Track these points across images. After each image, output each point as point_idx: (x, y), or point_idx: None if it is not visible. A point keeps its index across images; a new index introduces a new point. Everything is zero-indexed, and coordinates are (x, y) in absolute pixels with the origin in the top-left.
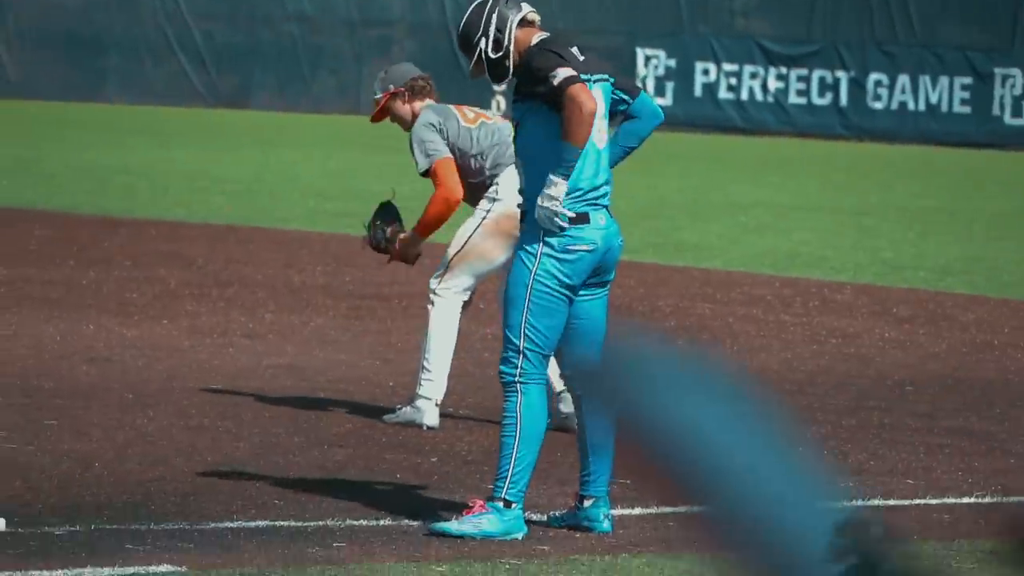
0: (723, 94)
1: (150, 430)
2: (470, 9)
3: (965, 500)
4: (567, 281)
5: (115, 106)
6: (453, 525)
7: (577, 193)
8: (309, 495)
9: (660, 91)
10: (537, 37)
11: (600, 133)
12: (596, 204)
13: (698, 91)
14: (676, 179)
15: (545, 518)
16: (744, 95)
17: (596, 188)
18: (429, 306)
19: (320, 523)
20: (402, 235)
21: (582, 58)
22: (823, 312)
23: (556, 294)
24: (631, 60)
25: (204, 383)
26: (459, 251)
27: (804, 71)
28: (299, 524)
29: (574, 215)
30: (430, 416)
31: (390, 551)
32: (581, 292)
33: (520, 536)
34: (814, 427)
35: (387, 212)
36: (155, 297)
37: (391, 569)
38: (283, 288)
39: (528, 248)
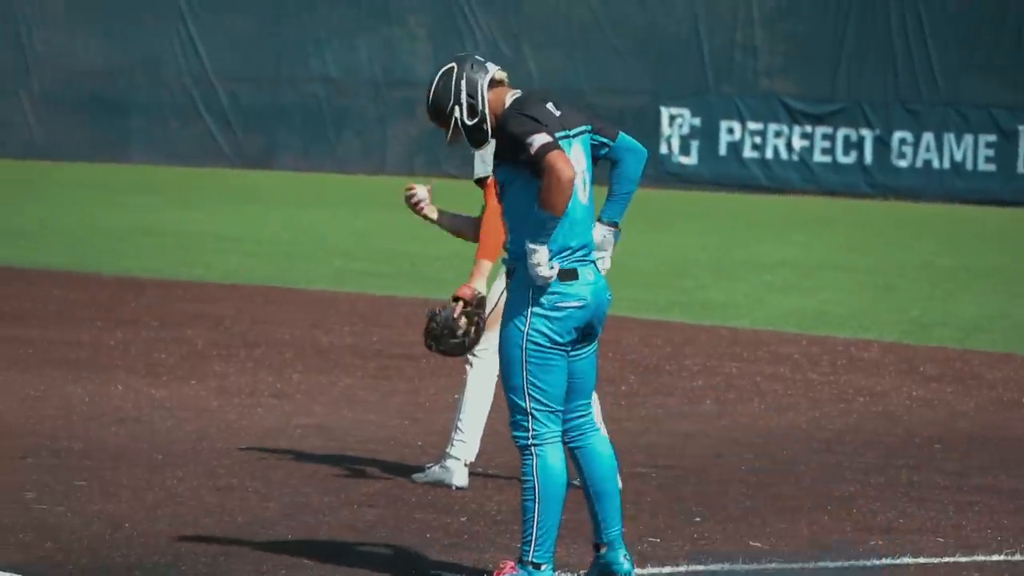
0: (748, 153)
1: (179, 491)
2: (436, 79)
3: (995, 558)
4: (559, 339)
5: (140, 167)
6: None
7: (566, 252)
8: (340, 555)
9: (685, 150)
10: (510, 96)
11: (584, 189)
12: (584, 260)
13: (723, 150)
14: (701, 238)
15: None
16: (769, 154)
17: (584, 245)
18: (468, 367)
19: None
20: (463, 285)
21: (558, 113)
22: (850, 371)
23: (551, 351)
24: (656, 119)
25: (233, 443)
26: (492, 311)
27: (829, 129)
28: None
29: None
30: (459, 477)
31: None
32: (571, 352)
33: None
34: (843, 485)
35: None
36: (183, 358)
37: None
38: (311, 348)
39: (518, 309)
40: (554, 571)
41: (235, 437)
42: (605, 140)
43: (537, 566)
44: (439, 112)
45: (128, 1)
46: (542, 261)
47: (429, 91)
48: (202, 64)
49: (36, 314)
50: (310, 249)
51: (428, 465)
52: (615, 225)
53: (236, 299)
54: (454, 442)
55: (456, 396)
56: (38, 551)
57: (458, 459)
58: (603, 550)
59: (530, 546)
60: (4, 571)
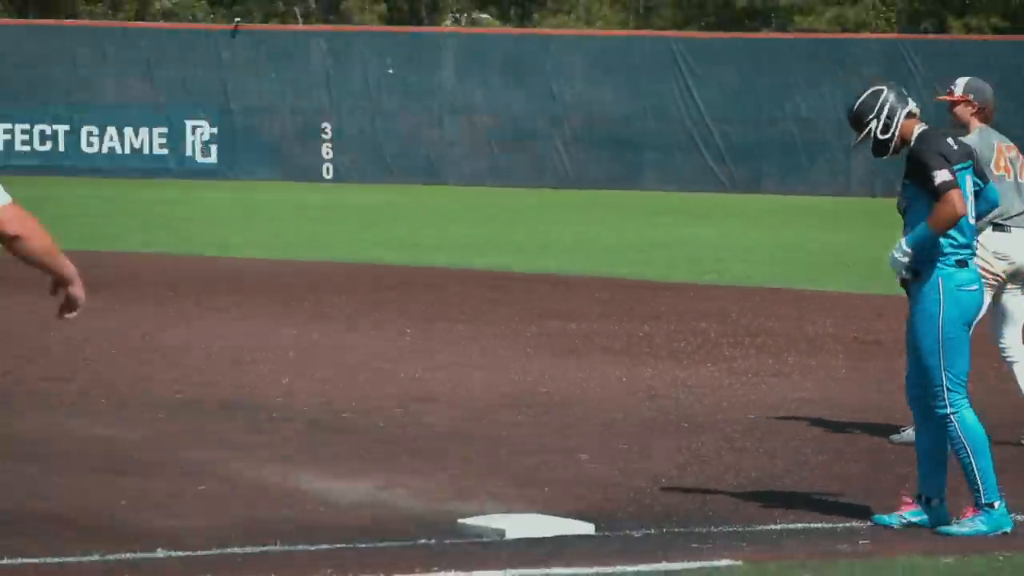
0: None
1: (703, 452)
2: (865, 93)
3: None
4: (966, 319)
5: (653, 193)
6: (953, 527)
7: (960, 251)
8: (834, 501)
9: None
10: (918, 128)
11: (969, 207)
12: (969, 256)
13: None
14: None
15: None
16: None
17: (969, 245)
18: None
19: (847, 524)
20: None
21: (955, 148)
22: None
23: (961, 333)
24: None
25: (743, 413)
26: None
27: None
28: (829, 525)
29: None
30: None
31: (905, 547)
32: None
33: (1008, 530)
34: None
35: None
36: (699, 345)
37: (908, 560)
38: (800, 336)
39: (929, 303)
40: (1006, 508)
41: (745, 408)
42: (978, 181)
43: (991, 505)
44: (859, 120)
45: (638, 61)
46: (907, 259)
47: (856, 101)
48: (699, 109)
49: (579, 312)
50: (790, 256)
51: (903, 428)
52: None
53: (736, 298)
54: None
55: None
56: (592, 503)
57: None
58: (933, 503)
59: (979, 492)
60: (564, 516)
